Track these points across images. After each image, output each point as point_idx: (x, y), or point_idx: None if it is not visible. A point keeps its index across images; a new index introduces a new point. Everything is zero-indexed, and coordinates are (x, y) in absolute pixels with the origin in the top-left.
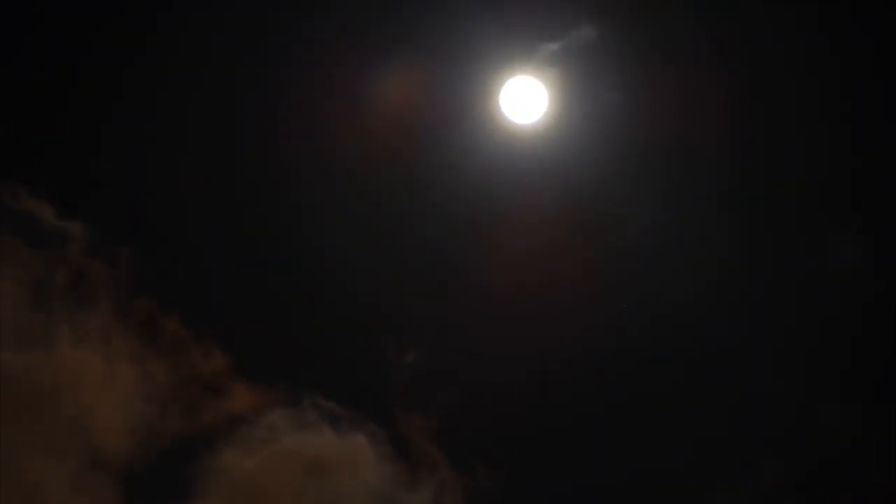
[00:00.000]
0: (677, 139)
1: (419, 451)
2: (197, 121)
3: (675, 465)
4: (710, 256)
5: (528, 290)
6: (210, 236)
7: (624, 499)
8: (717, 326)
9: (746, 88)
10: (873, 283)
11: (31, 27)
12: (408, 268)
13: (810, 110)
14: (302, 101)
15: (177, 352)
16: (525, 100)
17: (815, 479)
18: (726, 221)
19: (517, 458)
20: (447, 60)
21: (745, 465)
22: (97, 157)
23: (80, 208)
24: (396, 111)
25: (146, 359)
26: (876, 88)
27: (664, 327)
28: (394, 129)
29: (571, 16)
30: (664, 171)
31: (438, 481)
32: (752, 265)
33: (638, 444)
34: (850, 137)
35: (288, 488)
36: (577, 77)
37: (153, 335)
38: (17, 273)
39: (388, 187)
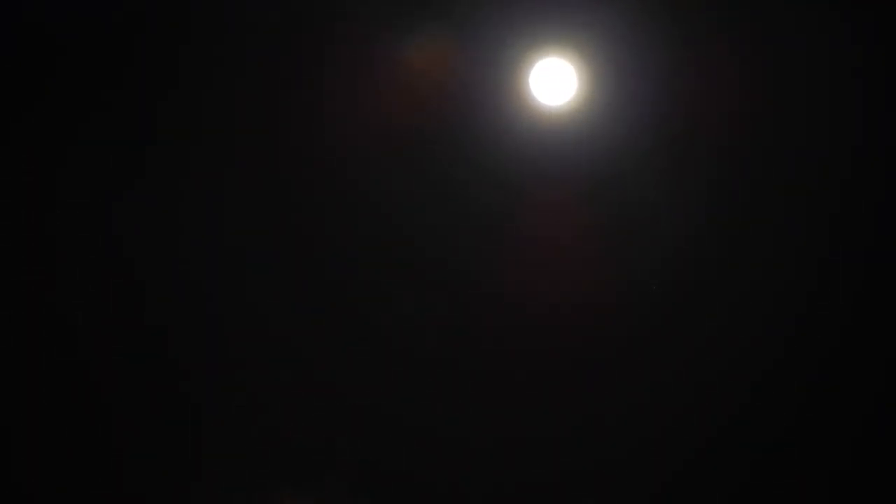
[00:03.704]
0: (710, 124)
1: None
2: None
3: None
4: (742, 240)
5: (553, 278)
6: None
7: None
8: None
9: (787, 73)
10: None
11: None
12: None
13: (860, 97)
14: (323, 86)
15: None
16: (555, 82)
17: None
18: (761, 209)
19: None
20: (476, 41)
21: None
22: None
23: None
24: (424, 92)
25: None
26: None
27: (689, 315)
28: (421, 110)
29: None
30: (696, 156)
31: None
32: (784, 252)
33: None
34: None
35: None
36: (609, 59)
37: None
38: None
39: (415, 170)
